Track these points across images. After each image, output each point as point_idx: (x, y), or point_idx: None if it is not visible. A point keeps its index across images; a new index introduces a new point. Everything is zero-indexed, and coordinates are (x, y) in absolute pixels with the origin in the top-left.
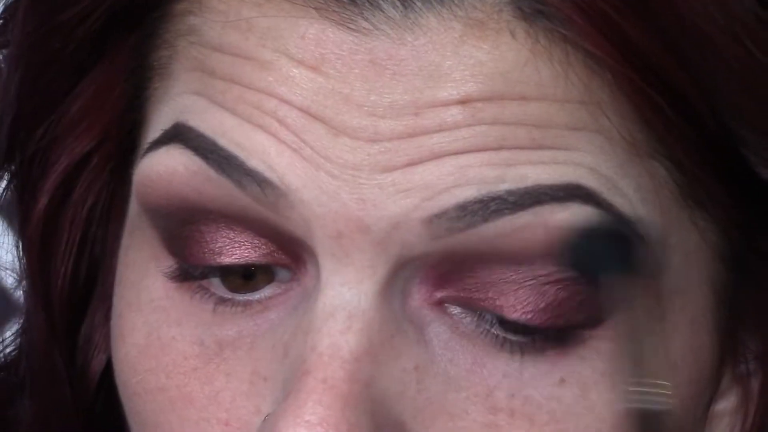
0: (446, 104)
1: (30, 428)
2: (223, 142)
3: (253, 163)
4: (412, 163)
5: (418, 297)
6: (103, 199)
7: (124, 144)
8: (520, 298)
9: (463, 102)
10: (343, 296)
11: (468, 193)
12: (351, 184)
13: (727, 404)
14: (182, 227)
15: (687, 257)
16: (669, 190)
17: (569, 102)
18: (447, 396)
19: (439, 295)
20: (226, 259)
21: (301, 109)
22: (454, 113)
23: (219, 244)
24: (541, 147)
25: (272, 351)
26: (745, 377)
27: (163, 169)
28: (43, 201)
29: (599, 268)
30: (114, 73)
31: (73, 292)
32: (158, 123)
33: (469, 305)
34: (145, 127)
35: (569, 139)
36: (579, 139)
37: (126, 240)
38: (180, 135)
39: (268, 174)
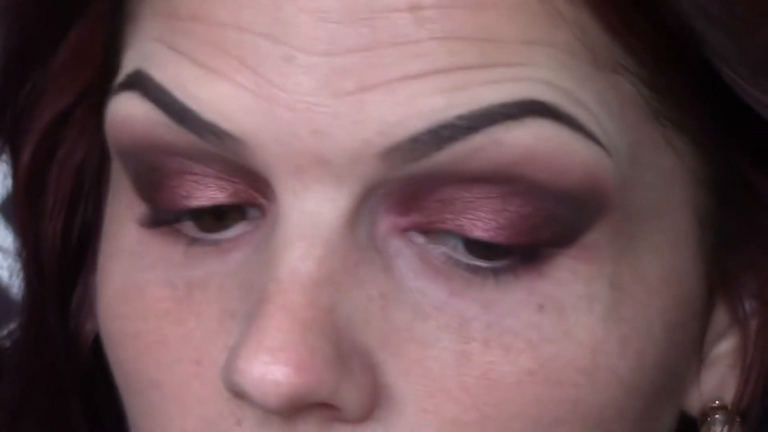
0: (399, 10)
1: (14, 380)
2: (179, 94)
3: (209, 115)
4: (364, 88)
5: (384, 226)
6: (93, 159)
7: (106, 97)
8: (482, 216)
9: (413, 8)
10: (303, 226)
11: (420, 124)
12: (307, 113)
13: (726, 346)
14: (150, 172)
15: (663, 178)
16: (637, 106)
17: (524, 11)
18: (416, 325)
19: (404, 222)
20: (195, 202)
21: (261, 35)
22: (406, 23)
23: (187, 188)
24: (494, 65)
25: (239, 289)
26: (744, 318)
27: (126, 114)
28: (26, 157)
29: None
30: (95, 23)
31: (64, 253)
32: (125, 68)
33: (434, 230)
34: (118, 74)
35: (524, 54)
36: (534, 53)
37: (110, 196)
38: (140, 83)
39: (224, 125)
